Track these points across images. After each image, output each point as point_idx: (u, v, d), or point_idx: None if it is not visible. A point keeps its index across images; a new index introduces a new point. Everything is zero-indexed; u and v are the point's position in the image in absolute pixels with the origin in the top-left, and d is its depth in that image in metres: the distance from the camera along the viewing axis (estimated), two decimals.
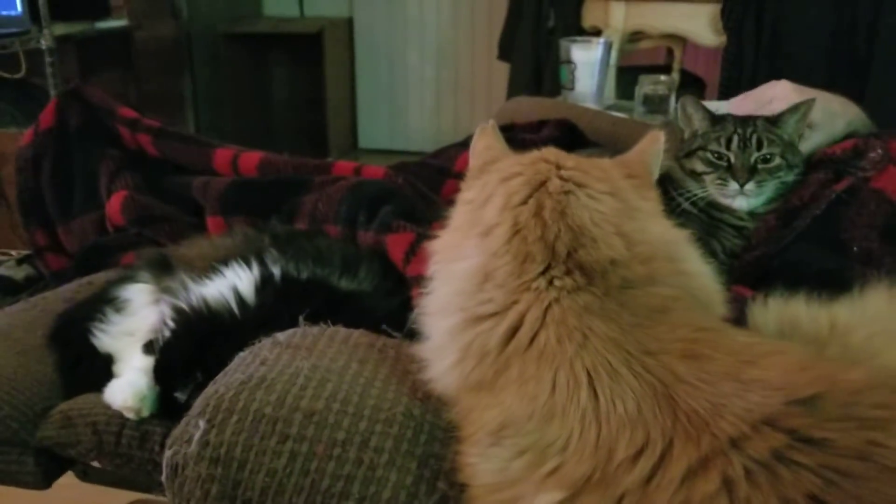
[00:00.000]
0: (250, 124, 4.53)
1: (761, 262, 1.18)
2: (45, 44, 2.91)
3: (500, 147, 0.92)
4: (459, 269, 0.79)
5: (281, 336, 0.88)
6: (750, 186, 1.23)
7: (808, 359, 0.68)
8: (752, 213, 1.27)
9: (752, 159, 1.23)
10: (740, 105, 1.42)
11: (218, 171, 1.52)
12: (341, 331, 0.91)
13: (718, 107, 1.43)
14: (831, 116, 1.32)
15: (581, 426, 0.66)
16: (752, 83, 2.87)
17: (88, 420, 1.02)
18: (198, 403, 0.79)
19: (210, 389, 0.80)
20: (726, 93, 2.91)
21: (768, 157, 1.23)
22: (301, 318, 0.93)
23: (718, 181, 1.25)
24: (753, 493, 0.59)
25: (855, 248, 1.12)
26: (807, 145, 1.29)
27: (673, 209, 1.26)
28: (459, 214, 0.86)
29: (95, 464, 1.05)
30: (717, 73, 3.06)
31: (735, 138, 1.24)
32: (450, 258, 0.82)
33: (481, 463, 0.71)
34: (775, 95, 1.35)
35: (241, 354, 0.85)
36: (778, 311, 0.81)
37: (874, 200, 1.15)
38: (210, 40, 4.21)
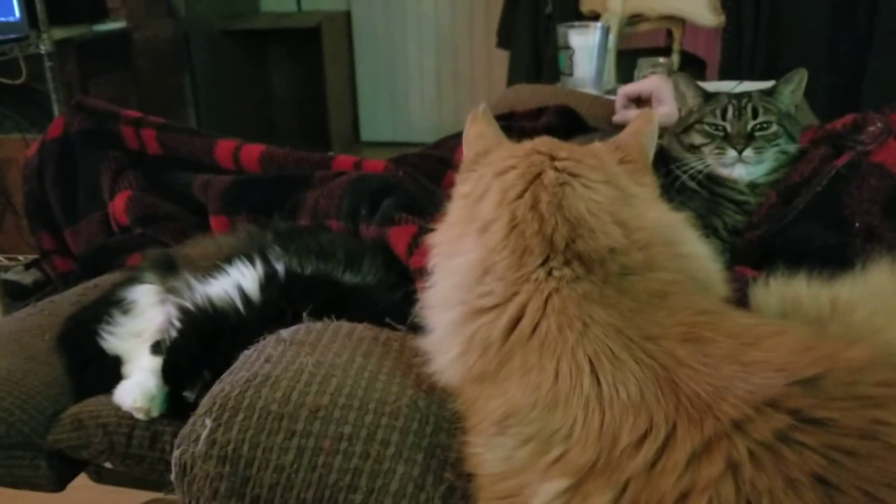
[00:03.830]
0: (251, 121, 4.53)
1: (763, 241, 1.18)
2: (44, 48, 2.91)
3: (492, 134, 0.92)
4: (458, 263, 0.79)
5: (285, 333, 0.88)
6: (748, 153, 1.23)
7: (810, 339, 0.68)
8: (752, 187, 1.26)
9: (749, 126, 1.23)
10: None
11: (220, 162, 1.53)
12: (345, 325, 0.91)
13: (718, 87, 1.43)
14: None
15: (585, 413, 0.66)
16: (752, 62, 2.87)
17: (99, 422, 1.03)
18: (204, 402, 0.79)
19: (216, 388, 0.80)
20: (727, 73, 2.91)
21: (765, 124, 1.23)
22: (305, 315, 0.93)
23: (717, 150, 1.25)
24: (758, 475, 0.58)
25: (856, 224, 1.11)
26: None
27: (673, 185, 1.26)
28: (456, 209, 0.86)
29: (108, 465, 1.06)
30: (717, 53, 3.05)
31: (730, 108, 1.25)
32: (449, 253, 0.82)
33: (487, 452, 0.71)
34: None
35: (246, 353, 0.85)
36: (779, 291, 0.81)
37: (875, 175, 1.14)
38: (208, 38, 4.20)
